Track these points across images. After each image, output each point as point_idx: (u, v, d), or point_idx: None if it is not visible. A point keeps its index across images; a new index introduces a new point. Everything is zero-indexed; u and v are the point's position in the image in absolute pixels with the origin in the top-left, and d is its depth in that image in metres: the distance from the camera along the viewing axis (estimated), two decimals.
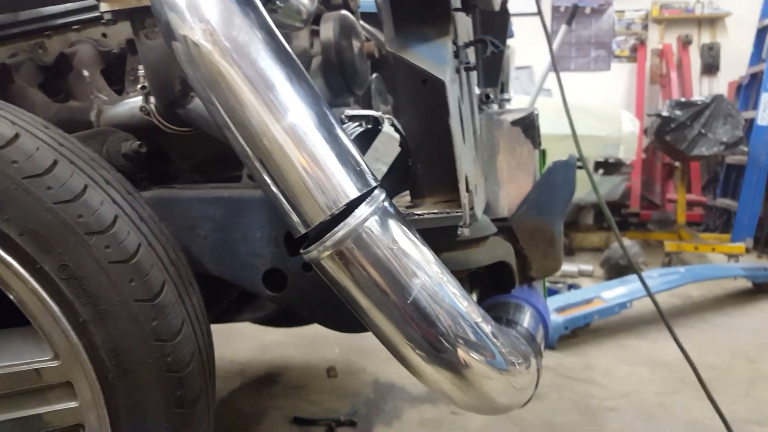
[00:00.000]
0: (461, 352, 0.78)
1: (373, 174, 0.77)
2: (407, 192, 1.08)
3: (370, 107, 1.74)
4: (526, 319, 1.04)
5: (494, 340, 0.82)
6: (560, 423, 2.38)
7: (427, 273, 0.76)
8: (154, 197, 1.28)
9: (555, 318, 3.14)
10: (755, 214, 5.38)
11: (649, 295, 1.89)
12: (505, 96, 1.39)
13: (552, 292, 3.81)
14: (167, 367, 0.86)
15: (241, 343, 3.25)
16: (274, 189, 0.74)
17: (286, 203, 0.73)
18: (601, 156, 5.16)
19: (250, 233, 1.21)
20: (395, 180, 0.96)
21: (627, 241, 4.75)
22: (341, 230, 0.72)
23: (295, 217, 0.73)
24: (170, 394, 0.86)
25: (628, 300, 3.34)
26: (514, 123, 1.27)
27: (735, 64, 6.78)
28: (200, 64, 0.74)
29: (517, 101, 4.56)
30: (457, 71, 0.86)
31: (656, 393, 2.67)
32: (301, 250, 0.75)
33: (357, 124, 0.93)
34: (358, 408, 2.48)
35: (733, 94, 6.63)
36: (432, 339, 0.76)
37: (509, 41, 2.39)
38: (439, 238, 0.99)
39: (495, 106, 1.45)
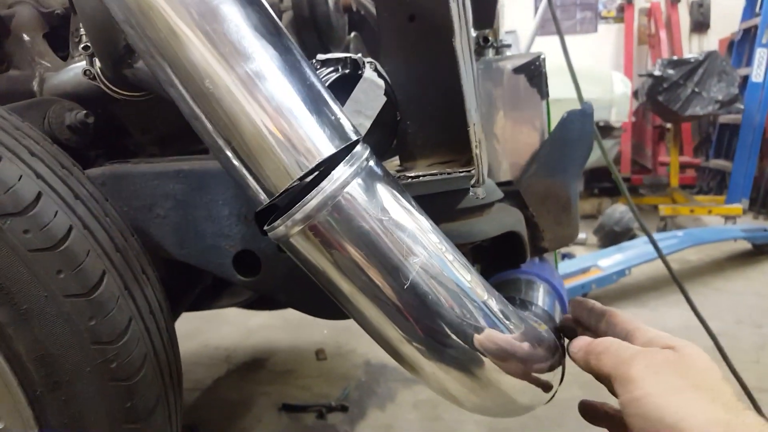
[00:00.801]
0: (472, 348, 0.62)
1: (353, 127, 0.60)
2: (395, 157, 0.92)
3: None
4: (541, 297, 0.89)
5: (517, 329, 0.67)
6: (562, 398, 2.22)
7: (428, 250, 0.59)
8: (105, 174, 1.11)
9: None
10: (750, 174, 5.28)
11: (661, 257, 1.75)
12: (504, 42, 1.22)
13: None
14: (111, 375, 0.70)
15: (226, 328, 3.10)
16: (226, 150, 0.56)
17: (243, 168, 0.56)
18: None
19: (216, 211, 1.05)
20: (382, 138, 0.79)
21: (621, 207, 4.62)
22: (314, 198, 0.55)
23: (254, 185, 0.56)
24: (116, 407, 0.70)
25: (626, 267, 3.23)
26: (517, 70, 1.10)
27: (725, 21, 6.61)
28: None
29: None
30: None
31: None
32: (266, 227, 0.59)
33: (332, 68, 0.75)
34: (350, 392, 2.35)
35: (725, 51, 6.48)
36: (437, 331, 0.60)
37: None
38: (437, 207, 0.83)
39: (491, 53, 1.27)
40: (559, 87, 4.93)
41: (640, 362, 0.60)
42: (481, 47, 1.14)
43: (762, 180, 5.44)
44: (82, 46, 1.14)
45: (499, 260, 1.01)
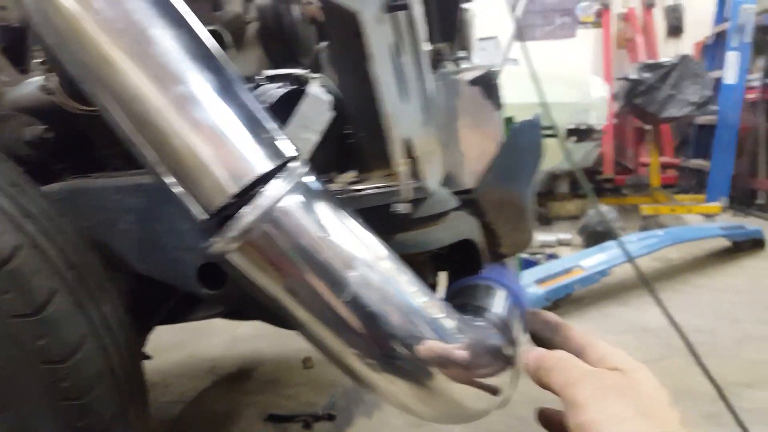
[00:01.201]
0: (420, 357, 0.63)
1: (291, 144, 0.62)
2: None
3: None
4: (498, 303, 0.90)
5: (459, 336, 0.68)
6: (547, 399, 2.25)
7: (368, 262, 0.60)
8: (64, 189, 1.11)
9: (536, 290, 3.03)
10: (728, 173, 5.36)
11: (631, 261, 1.78)
12: (461, 54, 1.24)
13: (531, 264, 3.71)
14: (62, 395, 0.70)
15: (211, 339, 3.09)
16: (163, 172, 0.58)
17: (180, 188, 0.57)
18: (572, 123, 5.05)
19: (179, 224, 1.05)
20: (332, 151, 0.81)
21: (603, 207, 4.66)
22: (249, 214, 0.56)
23: (191, 202, 0.57)
24: (69, 426, 0.71)
25: (608, 267, 3.26)
26: (473, 82, 1.11)
27: (699, 25, 6.72)
28: (57, 21, 0.57)
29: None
30: (387, 10, 0.70)
31: (644, 361, 2.49)
32: (203, 244, 0.60)
33: (278, 85, 0.77)
34: (337, 400, 2.35)
35: (699, 54, 6.58)
36: (381, 344, 0.61)
37: (469, 5, 2.24)
38: (392, 217, 0.84)
39: (451, 66, 1.29)
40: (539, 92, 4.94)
41: (587, 385, 0.59)
42: (435, 60, 1.16)
43: (739, 178, 5.51)
44: (40, 60, 1.14)
45: (461, 267, 1.02)
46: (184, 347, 2.99)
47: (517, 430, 2.07)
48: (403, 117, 0.71)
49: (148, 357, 1.58)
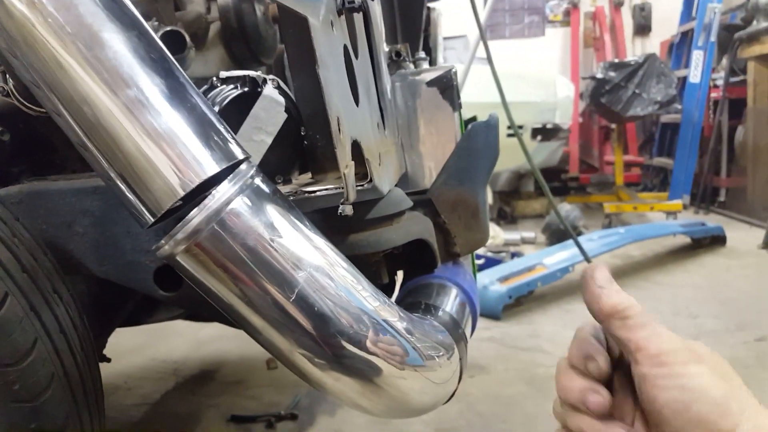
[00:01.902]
0: (366, 354, 0.65)
1: (240, 146, 0.63)
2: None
3: (284, 79, 1.58)
4: (450, 301, 0.93)
5: (405, 334, 0.70)
6: (507, 395, 2.33)
7: (316, 263, 0.62)
8: (22, 192, 1.10)
9: (498, 288, 3.08)
10: (691, 171, 5.50)
11: (587, 259, 1.82)
12: (421, 54, 1.26)
13: (495, 262, 3.77)
14: (13, 397, 0.70)
15: (175, 341, 3.07)
16: (113, 175, 0.58)
17: (129, 191, 0.58)
18: (537, 122, 5.13)
19: (135, 226, 1.05)
20: (286, 153, 0.82)
21: (567, 206, 4.75)
22: (196, 216, 0.57)
23: (139, 205, 0.58)
24: (20, 429, 0.71)
25: (570, 264, 3.33)
26: (430, 83, 1.14)
27: (666, 24, 6.88)
28: (7, 25, 0.58)
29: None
30: (339, 13, 0.72)
31: None
32: (153, 246, 0.61)
33: (232, 86, 0.78)
34: (300, 399, 2.36)
35: (665, 53, 6.73)
36: (329, 343, 0.63)
37: (436, 5, 2.26)
38: (346, 218, 0.86)
39: (411, 67, 1.31)
40: (507, 90, 5.04)
41: (680, 345, 0.54)
42: (394, 61, 1.18)
43: (702, 176, 5.66)
44: None
45: (416, 266, 1.05)
46: (147, 349, 2.97)
47: (476, 425, 2.11)
48: (352, 119, 0.72)
49: (107, 359, 1.57)
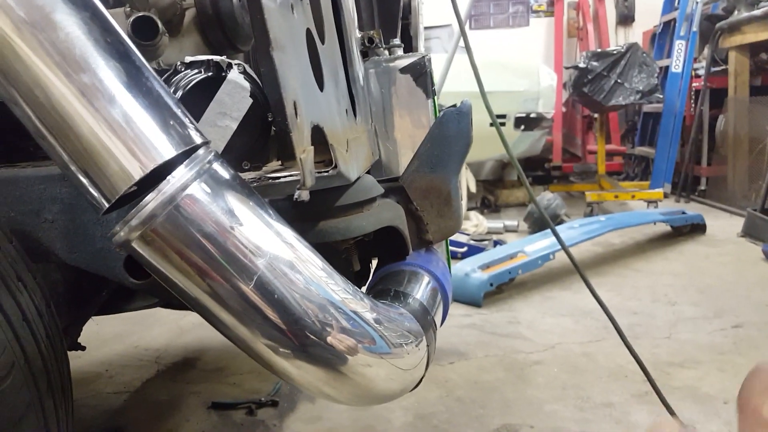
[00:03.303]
0: (330, 342, 0.65)
1: (198, 131, 0.62)
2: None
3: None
4: (420, 288, 0.93)
5: (371, 321, 0.70)
6: (486, 381, 2.35)
7: (277, 250, 0.62)
8: None
9: (480, 275, 3.10)
10: (672, 160, 5.55)
11: (564, 248, 1.83)
12: (395, 41, 1.25)
13: (478, 250, 3.79)
14: None
15: (157, 329, 3.05)
16: (67, 160, 0.57)
17: (83, 176, 0.57)
18: (521, 111, 5.14)
19: None
20: (252, 139, 0.81)
21: (549, 195, 4.78)
22: (152, 201, 0.56)
23: (93, 190, 0.57)
24: None
25: (551, 252, 3.35)
26: (404, 70, 1.13)
27: (649, 14, 6.91)
28: None
29: (436, 60, 4.44)
30: None
31: (581, 343, 2.68)
32: (108, 233, 0.60)
33: (196, 71, 0.76)
34: (281, 386, 2.36)
35: (648, 43, 6.77)
36: (291, 330, 0.63)
37: None
38: (316, 204, 0.85)
39: (388, 53, 1.30)
40: (490, 80, 5.04)
41: None
42: (367, 47, 1.17)
43: (683, 165, 5.71)
44: None
45: (387, 253, 1.05)
46: (129, 337, 2.95)
47: (455, 411, 2.13)
48: (314, 104, 0.71)
49: (81, 347, 1.55)
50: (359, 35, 1.14)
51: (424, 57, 1.12)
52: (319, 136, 0.71)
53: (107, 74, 0.57)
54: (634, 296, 3.29)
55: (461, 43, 4.67)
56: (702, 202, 5.64)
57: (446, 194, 1.03)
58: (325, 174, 0.73)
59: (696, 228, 4.39)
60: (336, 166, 0.72)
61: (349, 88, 0.93)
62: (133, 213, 0.56)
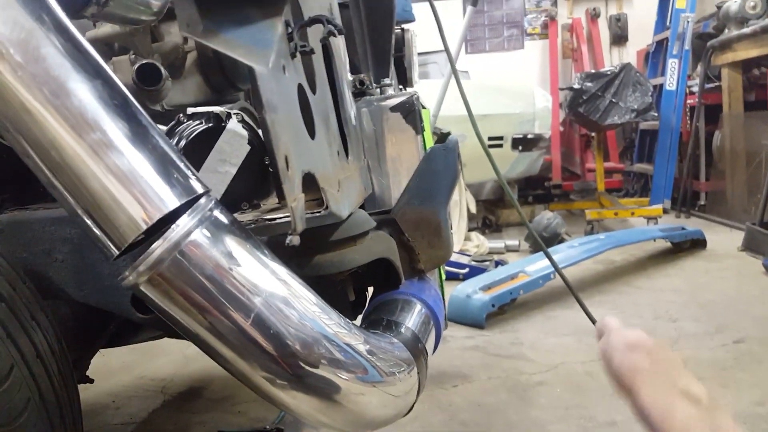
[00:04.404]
0: (324, 374, 0.70)
1: (200, 181, 0.68)
2: None
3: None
4: (413, 317, 0.97)
5: (364, 353, 0.75)
6: (489, 403, 2.37)
7: (273, 288, 0.67)
8: (3, 222, 1.15)
9: (481, 297, 3.13)
10: (670, 176, 5.59)
11: (556, 269, 1.88)
12: (386, 81, 1.32)
13: (479, 271, 3.82)
14: None
15: (162, 359, 3.09)
16: (80, 212, 0.63)
17: (95, 226, 0.63)
18: (518, 132, 5.22)
19: None
20: (250, 182, 0.87)
21: (549, 214, 4.83)
22: (158, 248, 0.62)
23: (105, 239, 0.63)
24: None
25: (551, 272, 3.37)
26: (394, 108, 1.19)
27: (642, 34, 7.01)
28: None
29: (433, 85, 4.53)
30: (292, 56, 0.77)
31: (583, 362, 2.70)
32: (119, 278, 0.65)
33: (197, 122, 0.82)
34: (285, 414, 2.39)
35: (642, 62, 6.87)
36: (287, 363, 0.68)
37: (411, 26, 2.33)
38: (312, 240, 0.91)
39: (380, 92, 1.37)
40: (486, 103, 5.12)
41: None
42: (358, 89, 1.23)
43: (682, 181, 5.75)
44: None
45: (381, 283, 1.10)
46: (136, 368, 2.99)
47: None
48: (305, 152, 0.77)
49: (90, 380, 1.60)
50: (351, 78, 1.20)
51: (412, 96, 1.18)
52: (310, 181, 0.76)
53: (115, 133, 0.63)
54: (635, 313, 3.31)
55: (458, 67, 4.76)
56: (702, 216, 5.66)
57: (436, 225, 1.08)
58: (318, 214, 0.78)
59: (696, 243, 4.42)
60: (327, 207, 0.78)
61: (341, 130, 0.99)
62: (141, 259, 0.62)
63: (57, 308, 1.39)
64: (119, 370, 2.96)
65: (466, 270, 3.91)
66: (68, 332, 1.41)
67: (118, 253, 0.63)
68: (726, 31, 5.21)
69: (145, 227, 0.62)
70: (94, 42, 1.27)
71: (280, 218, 0.76)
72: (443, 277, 1.38)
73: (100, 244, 0.63)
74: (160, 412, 2.57)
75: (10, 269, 0.94)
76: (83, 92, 0.63)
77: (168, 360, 3.07)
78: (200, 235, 0.63)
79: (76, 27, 0.69)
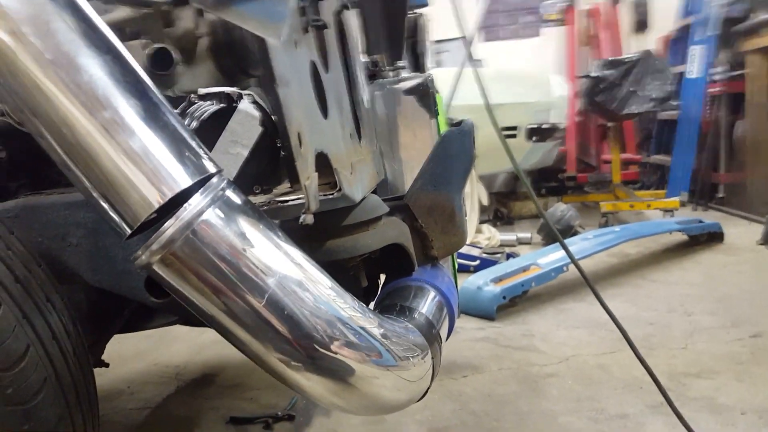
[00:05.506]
0: (338, 356, 0.69)
1: (212, 160, 0.67)
2: None
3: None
4: (426, 303, 0.96)
5: (378, 336, 0.74)
6: (500, 394, 2.36)
7: (285, 269, 0.66)
8: (18, 206, 1.15)
9: (492, 288, 3.12)
10: (689, 168, 5.50)
11: (573, 262, 1.86)
12: (400, 63, 1.30)
13: (490, 263, 3.80)
14: (8, 400, 0.74)
15: (176, 346, 3.11)
16: (92, 191, 0.63)
17: (108, 206, 0.62)
18: (532, 122, 5.17)
19: None
20: (263, 164, 0.86)
21: (563, 206, 4.78)
22: (170, 227, 0.61)
23: (117, 218, 0.62)
24: (14, 429, 0.75)
25: (564, 264, 3.35)
26: (408, 92, 1.18)
27: (665, 20, 6.86)
28: None
29: (446, 73, 4.49)
30: (305, 31, 0.76)
31: (595, 354, 2.68)
32: (131, 257, 0.65)
33: (209, 102, 0.82)
34: (297, 401, 2.40)
35: (664, 49, 6.73)
36: (301, 345, 0.67)
37: (424, 10, 2.30)
38: (324, 224, 0.90)
39: (393, 74, 1.36)
40: (501, 92, 5.06)
41: None
42: (371, 71, 1.22)
43: (700, 172, 5.66)
44: None
45: (394, 269, 1.09)
46: (150, 354, 3.01)
47: (469, 424, 2.15)
48: (318, 132, 0.76)
49: (105, 364, 1.61)
50: (365, 60, 1.19)
51: (427, 78, 1.17)
52: (323, 162, 0.75)
53: (127, 111, 0.63)
54: (649, 307, 3.28)
55: (476, 55, 4.73)
56: (720, 209, 5.58)
57: (450, 211, 1.07)
58: (330, 196, 0.78)
59: (713, 236, 4.36)
60: (340, 189, 0.77)
61: (354, 112, 0.98)
62: (153, 238, 0.62)
63: (72, 293, 1.40)
64: (134, 356, 2.99)
65: (477, 262, 3.89)
66: (83, 316, 1.42)
67: (130, 232, 0.63)
68: (752, 15, 5.07)
69: (157, 206, 0.61)
70: None
71: (293, 200, 0.75)
72: (456, 265, 1.37)
73: (113, 223, 0.63)
74: (174, 397, 2.59)
75: (26, 253, 0.95)
76: (95, 70, 0.62)
77: (181, 347, 3.10)
78: (213, 215, 0.63)
79: None
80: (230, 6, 0.67)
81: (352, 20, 1.10)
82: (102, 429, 1.98)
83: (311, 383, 0.70)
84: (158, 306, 1.11)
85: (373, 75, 1.23)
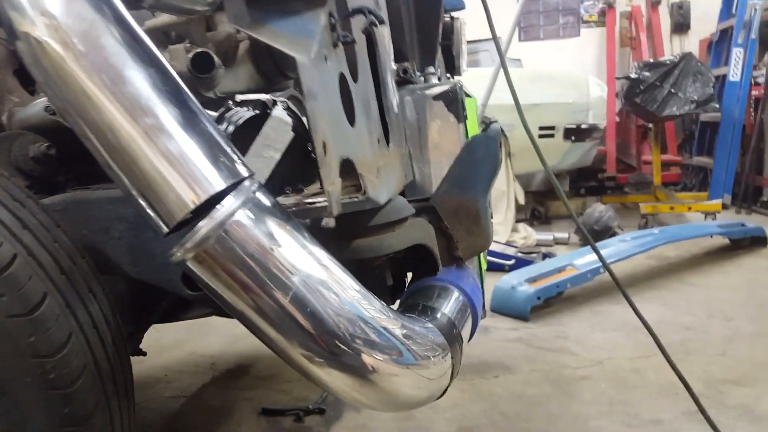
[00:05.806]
0: (361, 354, 0.73)
1: (245, 165, 0.71)
2: None
3: None
4: (449, 303, 0.99)
5: (399, 335, 0.77)
6: (531, 395, 2.36)
7: (310, 268, 0.70)
8: (65, 200, 1.22)
9: (526, 289, 3.11)
10: (731, 170, 5.37)
11: (603, 264, 1.85)
12: (430, 69, 1.33)
13: (526, 263, 3.78)
14: (50, 385, 0.80)
15: (212, 337, 3.20)
16: (133, 191, 0.67)
17: (148, 206, 0.67)
18: (570, 122, 5.12)
19: None
20: (293, 167, 0.90)
21: (601, 206, 4.72)
22: (204, 227, 0.66)
23: (155, 217, 0.67)
24: (55, 412, 0.81)
25: (601, 266, 3.31)
26: (437, 97, 1.20)
27: (705, 22, 6.72)
28: (44, 63, 0.67)
29: (483, 73, 4.48)
30: (334, 46, 0.79)
31: (630, 358, 2.65)
32: (168, 254, 0.69)
33: (245, 109, 0.86)
34: (327, 395, 2.44)
35: (705, 51, 6.59)
36: (324, 342, 0.71)
37: (459, 14, 2.32)
38: (351, 225, 0.93)
39: (424, 80, 1.38)
40: (539, 92, 5.02)
41: None
42: (401, 77, 1.25)
43: (743, 175, 5.52)
44: None
45: (419, 269, 1.11)
46: (187, 344, 3.11)
47: (499, 424, 2.16)
48: (344, 140, 0.79)
49: (143, 353, 1.68)
50: (395, 67, 1.21)
51: (455, 85, 1.19)
52: (348, 167, 0.79)
53: (167, 118, 0.67)
54: (688, 311, 3.21)
55: (508, 55, 4.69)
56: (764, 213, 5.42)
57: (475, 213, 1.09)
58: (356, 199, 0.81)
59: (756, 241, 4.24)
60: (365, 192, 0.80)
61: (382, 118, 1.01)
62: (188, 237, 0.66)
63: (114, 283, 1.47)
64: (172, 345, 3.09)
65: (512, 261, 3.88)
66: (123, 306, 1.49)
67: (167, 230, 0.67)
68: None
69: (192, 207, 0.65)
70: (152, 31, 1.33)
71: (320, 203, 0.79)
72: (483, 266, 1.38)
73: (152, 222, 0.68)
74: (209, 387, 2.67)
75: (71, 244, 1.01)
76: (138, 79, 0.67)
77: (217, 338, 3.19)
78: (243, 216, 0.67)
79: (135, 17, 0.73)
80: (264, 25, 0.71)
81: (384, 31, 1.12)
82: (139, 415, 2.07)
83: (332, 378, 0.74)
84: (194, 298, 1.16)
85: (404, 81, 1.25)
